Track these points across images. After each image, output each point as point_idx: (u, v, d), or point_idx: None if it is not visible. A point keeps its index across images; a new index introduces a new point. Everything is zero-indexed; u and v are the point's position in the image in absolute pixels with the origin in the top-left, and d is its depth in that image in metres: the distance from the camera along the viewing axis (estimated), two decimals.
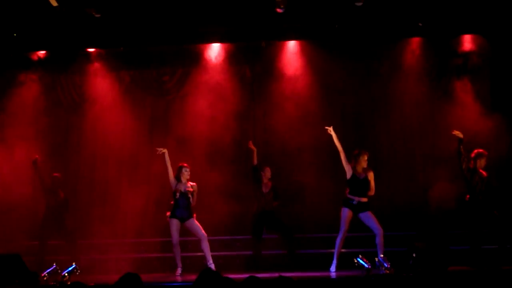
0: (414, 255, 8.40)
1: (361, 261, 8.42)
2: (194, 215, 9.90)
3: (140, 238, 11.30)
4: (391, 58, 11.80)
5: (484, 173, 9.46)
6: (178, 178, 9.82)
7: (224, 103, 11.68)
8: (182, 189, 9.76)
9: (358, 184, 9.40)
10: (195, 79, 12.00)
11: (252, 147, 10.35)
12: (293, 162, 11.70)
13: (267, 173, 10.40)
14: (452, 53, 11.70)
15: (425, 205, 11.16)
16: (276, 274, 5.31)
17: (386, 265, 8.43)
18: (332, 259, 9.42)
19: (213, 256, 9.84)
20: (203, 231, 9.76)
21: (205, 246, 9.73)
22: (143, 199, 11.46)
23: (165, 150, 9.73)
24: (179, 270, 9.79)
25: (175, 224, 9.74)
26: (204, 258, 9.82)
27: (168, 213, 9.90)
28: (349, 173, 9.43)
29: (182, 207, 9.77)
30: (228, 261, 10.54)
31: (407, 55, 11.79)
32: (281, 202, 10.57)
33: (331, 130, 9.46)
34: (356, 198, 9.38)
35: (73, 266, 8.57)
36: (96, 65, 12.03)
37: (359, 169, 9.45)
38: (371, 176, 9.44)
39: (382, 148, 11.71)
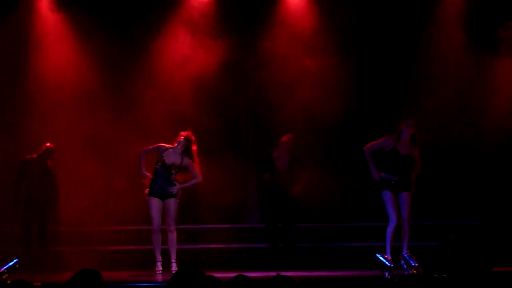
0: (448, 251, 8.44)
1: (381, 258, 8.29)
2: (179, 193, 9.70)
3: (109, 225, 11.38)
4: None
5: None
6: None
7: (209, 54, 11.67)
8: (167, 161, 9.59)
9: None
10: (173, 23, 11.97)
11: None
12: (293, 132, 11.40)
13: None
14: None
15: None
16: (274, 273, 5.31)
17: (413, 264, 8.41)
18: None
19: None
20: (174, 223, 9.62)
21: (172, 239, 9.63)
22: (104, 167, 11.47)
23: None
24: (159, 266, 9.59)
25: (155, 203, 9.59)
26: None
27: (147, 191, 9.72)
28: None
29: (163, 180, 9.61)
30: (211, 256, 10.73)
31: None
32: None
33: None
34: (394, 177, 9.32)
35: (15, 261, 8.59)
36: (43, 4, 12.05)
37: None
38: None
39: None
